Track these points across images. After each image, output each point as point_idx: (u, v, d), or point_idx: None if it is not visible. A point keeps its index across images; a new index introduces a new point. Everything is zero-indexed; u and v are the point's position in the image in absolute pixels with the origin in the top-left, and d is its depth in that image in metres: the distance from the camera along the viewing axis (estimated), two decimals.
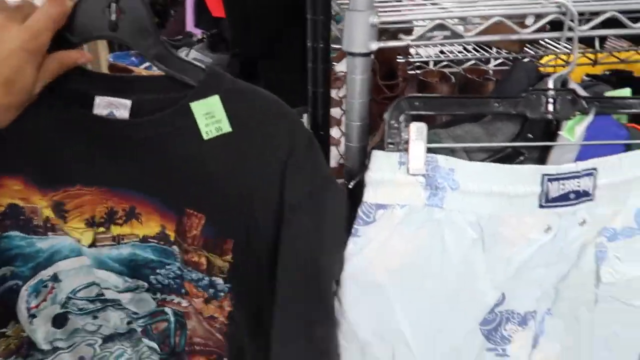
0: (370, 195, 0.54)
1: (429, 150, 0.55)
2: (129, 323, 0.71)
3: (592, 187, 0.60)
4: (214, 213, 0.62)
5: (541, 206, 0.58)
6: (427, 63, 1.19)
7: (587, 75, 1.11)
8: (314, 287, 0.62)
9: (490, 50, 1.15)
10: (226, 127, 0.59)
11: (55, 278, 0.64)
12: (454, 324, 0.61)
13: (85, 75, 0.59)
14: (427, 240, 0.56)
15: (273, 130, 0.60)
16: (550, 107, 0.58)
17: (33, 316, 0.65)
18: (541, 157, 0.62)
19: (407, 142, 0.54)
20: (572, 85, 0.61)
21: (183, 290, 0.67)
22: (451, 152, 0.60)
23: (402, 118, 0.54)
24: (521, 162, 0.60)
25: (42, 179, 0.59)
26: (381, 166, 0.54)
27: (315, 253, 0.61)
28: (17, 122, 0.54)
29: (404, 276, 0.56)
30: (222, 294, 0.67)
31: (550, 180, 0.58)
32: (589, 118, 0.60)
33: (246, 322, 0.67)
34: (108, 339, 0.72)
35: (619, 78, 1.06)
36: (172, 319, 0.71)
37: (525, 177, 0.58)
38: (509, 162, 0.59)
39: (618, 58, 1.10)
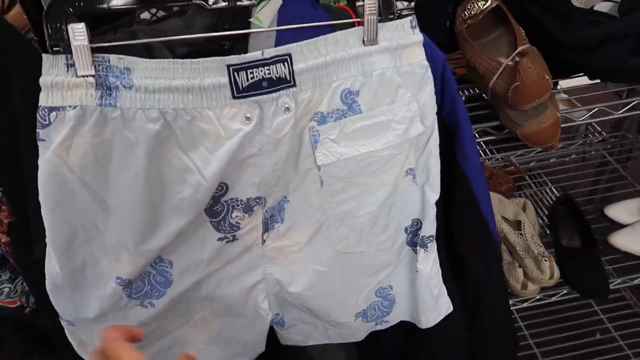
0: (43, 99, 0.54)
1: (104, 50, 0.55)
2: None
3: (289, 73, 0.58)
4: None
5: (234, 97, 0.58)
6: None
7: None
8: None
9: None
10: None
11: None
12: (169, 215, 0.60)
13: None
14: (109, 140, 0.56)
15: None
16: None
17: None
18: (246, 47, 0.60)
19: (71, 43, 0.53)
20: None
21: None
22: (149, 49, 0.59)
23: (64, 19, 0.53)
24: (226, 54, 0.58)
25: None
26: (50, 70, 0.54)
27: None
28: None
29: (96, 173, 0.57)
30: None
31: (235, 70, 0.56)
32: (274, 2, 0.57)
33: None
34: None
35: None
36: None
37: (210, 69, 0.57)
38: (211, 55, 0.57)
39: None
